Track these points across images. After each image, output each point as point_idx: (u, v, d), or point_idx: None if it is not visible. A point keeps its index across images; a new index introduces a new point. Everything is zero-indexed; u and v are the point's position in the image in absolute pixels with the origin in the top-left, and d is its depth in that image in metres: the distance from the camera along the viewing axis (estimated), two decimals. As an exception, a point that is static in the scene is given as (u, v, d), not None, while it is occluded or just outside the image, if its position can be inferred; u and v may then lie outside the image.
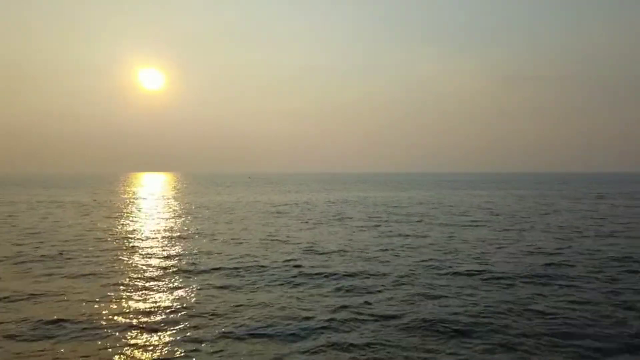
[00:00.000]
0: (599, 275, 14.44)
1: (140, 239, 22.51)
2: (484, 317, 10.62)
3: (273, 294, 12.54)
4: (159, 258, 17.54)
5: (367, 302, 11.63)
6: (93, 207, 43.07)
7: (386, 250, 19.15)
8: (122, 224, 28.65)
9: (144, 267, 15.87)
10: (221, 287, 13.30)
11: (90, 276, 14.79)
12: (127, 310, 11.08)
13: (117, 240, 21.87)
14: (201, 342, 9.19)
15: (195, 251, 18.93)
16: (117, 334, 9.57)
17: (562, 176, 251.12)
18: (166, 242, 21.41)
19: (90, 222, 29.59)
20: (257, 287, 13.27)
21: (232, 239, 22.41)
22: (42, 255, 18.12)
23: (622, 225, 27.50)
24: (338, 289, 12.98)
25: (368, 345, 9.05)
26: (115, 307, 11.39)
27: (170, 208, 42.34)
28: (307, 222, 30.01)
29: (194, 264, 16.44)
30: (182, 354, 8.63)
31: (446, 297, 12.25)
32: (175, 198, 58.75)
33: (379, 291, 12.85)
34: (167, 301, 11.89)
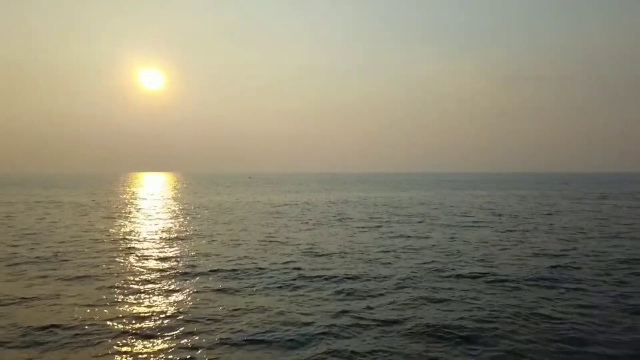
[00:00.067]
0: (606, 278, 14.08)
1: (137, 240, 22.16)
2: (489, 322, 10.27)
3: (272, 298, 12.20)
4: (155, 260, 17.19)
5: (368, 307, 11.28)
6: (91, 207, 42.73)
7: (387, 251, 18.80)
8: (120, 225, 28.30)
9: (140, 270, 15.52)
10: (219, 290, 12.95)
11: (84, 278, 14.45)
12: (121, 315, 10.73)
13: (113, 242, 21.52)
14: (197, 349, 8.85)
15: (192, 253, 18.58)
16: (109, 340, 9.22)
17: (562, 176, 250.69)
18: (163, 244, 21.06)
19: (87, 223, 29.24)
20: (256, 290, 12.92)
21: (230, 240, 22.06)
22: (37, 257, 17.78)
23: (627, 226, 27.14)
24: (338, 292, 12.63)
25: (370, 352, 8.70)
26: (108, 311, 11.04)
27: (169, 208, 42.00)
28: (307, 222, 29.66)
29: (191, 266, 16.09)
30: (177, 362, 8.29)
31: (450, 300, 11.90)
32: (174, 198, 58.41)
33: (381, 294, 12.51)
34: (163, 305, 11.54)
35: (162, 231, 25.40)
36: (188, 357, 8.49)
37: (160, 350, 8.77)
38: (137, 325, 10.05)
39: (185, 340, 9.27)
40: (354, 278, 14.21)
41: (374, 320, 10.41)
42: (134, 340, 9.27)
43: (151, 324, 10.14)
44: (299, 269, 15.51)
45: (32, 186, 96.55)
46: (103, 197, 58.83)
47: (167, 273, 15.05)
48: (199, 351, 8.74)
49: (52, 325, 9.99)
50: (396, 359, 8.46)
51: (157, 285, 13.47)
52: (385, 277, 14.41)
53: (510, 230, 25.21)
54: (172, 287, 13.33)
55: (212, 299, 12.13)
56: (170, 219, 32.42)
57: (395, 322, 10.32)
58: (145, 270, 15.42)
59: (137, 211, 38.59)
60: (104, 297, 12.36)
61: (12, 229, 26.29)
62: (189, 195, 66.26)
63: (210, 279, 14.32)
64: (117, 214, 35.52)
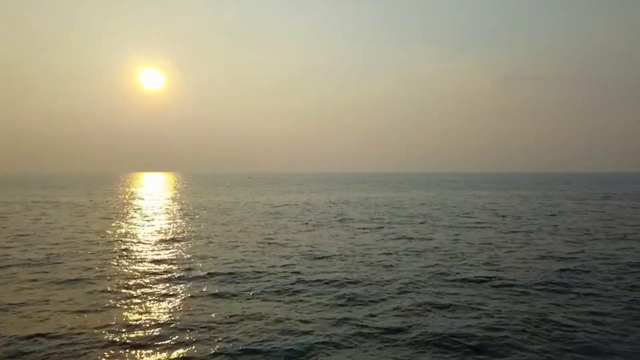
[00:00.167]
0: (617, 283, 13.56)
1: (133, 241, 21.63)
2: (498, 330, 9.75)
3: (269, 304, 11.68)
4: (150, 263, 16.68)
5: (371, 314, 10.75)
6: (89, 207, 42.22)
7: (389, 254, 18.28)
8: (116, 226, 27.79)
9: (134, 273, 15.01)
10: (215, 295, 12.44)
11: (76, 282, 13.95)
12: (111, 323, 10.20)
13: (108, 243, 21.01)
14: (189, 360, 8.33)
15: (189, 255, 18.06)
16: (96, 351, 8.70)
17: (562, 176, 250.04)
18: (159, 245, 20.54)
19: (83, 224, 28.73)
20: (253, 295, 12.40)
21: (228, 241, 21.54)
22: (29, 259, 17.28)
23: (633, 227, 26.60)
24: (339, 298, 12.10)
25: (373, 364, 8.19)
26: (98, 319, 10.52)
27: (167, 209, 41.49)
28: (306, 223, 29.13)
29: (187, 269, 15.57)
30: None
31: (456, 307, 11.37)
32: (173, 198, 57.91)
33: (383, 300, 11.99)
34: (155, 312, 11.02)
35: (159, 232, 24.89)
36: (179, 369, 7.98)
37: (150, 362, 8.26)
38: (127, 335, 9.53)
39: (178, 351, 8.75)
40: (355, 282, 13.68)
41: (377, 328, 9.89)
42: (123, 351, 8.74)
43: (142, 333, 9.62)
44: (298, 272, 14.99)
45: (31, 186, 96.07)
46: (101, 198, 58.33)
47: (162, 277, 14.53)
48: (192, 363, 8.22)
49: (38, 335, 9.47)
50: (401, 372, 7.95)
51: (150, 290, 12.95)
52: (387, 281, 13.89)
53: (515, 232, 24.69)
54: (166, 291, 12.81)
55: (208, 304, 11.62)
56: (168, 219, 31.91)
57: (399, 330, 9.81)
58: (139, 274, 14.90)
59: (135, 212, 38.07)
60: (95, 302, 11.84)
61: (6, 229, 25.78)
62: (188, 195, 65.75)
63: (206, 283, 13.80)
64: (114, 215, 35.01)
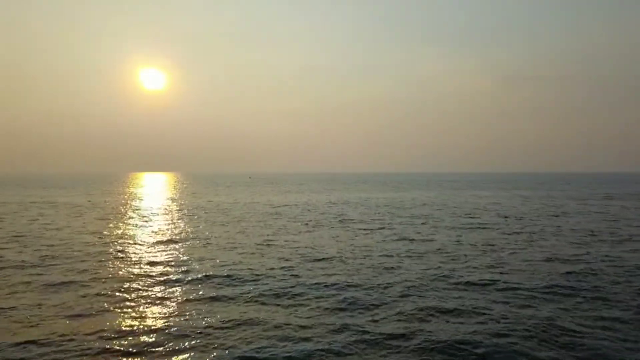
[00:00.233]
0: (625, 287, 13.19)
1: (129, 243, 21.27)
2: (505, 336, 9.39)
3: (268, 308, 11.32)
4: (146, 265, 16.31)
5: (373, 319, 10.39)
6: (87, 208, 41.87)
7: (391, 256, 17.91)
8: (113, 227, 27.43)
9: (129, 275, 14.65)
10: (212, 299, 12.08)
11: (70, 285, 13.60)
12: (103, 329, 9.85)
13: (104, 245, 20.64)
14: (183, 369, 7.98)
15: (186, 257, 17.70)
16: (86, 359, 8.34)
17: (563, 176, 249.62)
18: (156, 247, 20.18)
19: (80, 225, 28.37)
20: (251, 299, 12.04)
21: (227, 243, 21.18)
22: (23, 261, 16.93)
23: (639, 228, 26.22)
24: (340, 302, 11.73)
25: (376, 373, 7.83)
26: (90, 324, 10.16)
27: (166, 209, 41.14)
28: (306, 224, 28.77)
29: (183, 271, 15.22)
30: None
31: (460, 311, 11.01)
32: (172, 199, 57.56)
33: (385, 304, 11.63)
34: (150, 317, 10.66)
35: (156, 233, 24.53)
36: (173, 379, 7.62)
37: (143, 371, 7.90)
38: (119, 342, 9.17)
39: (172, 359, 8.39)
40: (356, 286, 13.31)
41: (379, 334, 9.53)
42: (114, 359, 8.38)
43: (135, 340, 9.27)
44: (297, 275, 14.63)
45: (31, 186, 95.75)
46: (100, 198, 57.99)
47: (157, 279, 14.18)
48: (186, 372, 7.87)
49: (28, 342, 9.11)
50: (405, 382, 7.59)
51: (145, 293, 12.59)
52: (389, 284, 13.53)
53: (518, 233, 24.32)
54: (161, 295, 12.46)
55: (204, 309, 11.26)
56: (166, 220, 31.55)
57: (402, 336, 9.45)
58: (134, 276, 14.55)
59: (133, 212, 37.72)
60: (88, 306, 11.50)
61: (2, 230, 25.43)
62: (187, 195, 65.40)
63: (203, 286, 13.44)
64: (112, 215, 34.66)
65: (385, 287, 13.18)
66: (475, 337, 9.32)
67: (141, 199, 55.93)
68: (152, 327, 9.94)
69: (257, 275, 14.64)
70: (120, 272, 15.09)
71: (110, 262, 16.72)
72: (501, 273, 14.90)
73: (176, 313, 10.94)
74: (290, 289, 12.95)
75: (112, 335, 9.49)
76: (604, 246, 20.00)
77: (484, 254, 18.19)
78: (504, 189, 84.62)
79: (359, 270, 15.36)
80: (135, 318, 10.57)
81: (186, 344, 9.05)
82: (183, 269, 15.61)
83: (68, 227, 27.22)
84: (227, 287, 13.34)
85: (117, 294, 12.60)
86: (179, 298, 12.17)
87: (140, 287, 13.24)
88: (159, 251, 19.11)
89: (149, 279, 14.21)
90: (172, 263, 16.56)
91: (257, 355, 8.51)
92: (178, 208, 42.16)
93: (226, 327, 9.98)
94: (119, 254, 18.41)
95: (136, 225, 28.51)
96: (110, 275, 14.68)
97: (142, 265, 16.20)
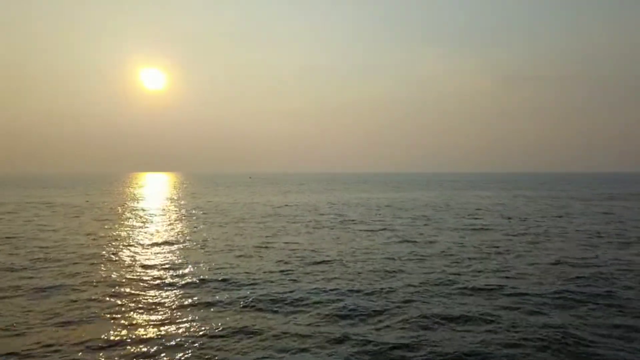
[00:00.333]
0: (638, 292, 12.64)
1: (124, 245, 20.72)
2: (517, 346, 8.85)
3: (265, 315, 10.78)
4: (140, 268, 15.78)
5: (375, 328, 9.85)
6: (84, 208, 41.35)
7: (393, 259, 17.37)
8: (109, 228, 26.90)
9: (122, 280, 14.11)
10: (206, 305, 11.55)
11: (60, 289, 13.09)
12: (92, 338, 9.31)
13: (98, 246, 20.10)
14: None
15: (181, 260, 17.16)
16: (70, 372, 7.81)
17: (563, 176, 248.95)
18: (152, 249, 19.65)
19: (76, 226, 27.84)
20: (247, 305, 11.50)
21: (224, 245, 20.64)
22: (13, 264, 16.41)
23: (644, 229, 25.67)
24: (340, 309, 11.18)
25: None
26: (78, 333, 9.63)
27: (164, 210, 40.62)
28: (306, 225, 28.22)
29: (178, 275, 14.68)
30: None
31: (467, 319, 10.46)
32: (172, 199, 57.05)
33: (388, 310, 11.09)
34: (141, 325, 10.12)
35: (152, 235, 24.00)
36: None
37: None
38: (107, 353, 8.64)
39: (161, 371, 7.86)
40: (357, 291, 12.77)
41: (383, 343, 8.99)
42: (100, 372, 7.86)
43: (123, 351, 8.73)
44: (296, 280, 14.09)
45: (30, 186, 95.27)
46: (98, 198, 57.48)
47: (151, 283, 13.65)
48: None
49: (9, 354, 8.59)
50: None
51: (136, 299, 12.06)
52: (391, 289, 12.99)
53: (522, 234, 23.77)
54: (154, 300, 11.92)
55: (198, 316, 10.72)
56: (163, 221, 31.02)
57: (406, 346, 8.91)
58: (126, 280, 14.01)
59: (130, 213, 37.19)
60: (78, 312, 10.98)
61: (-5, 232, 24.90)
62: (187, 196, 64.88)
63: (198, 290, 12.90)
64: (108, 216, 34.13)
65: (388, 292, 12.65)
66: (485, 347, 8.78)
67: (140, 200, 55.41)
68: (142, 337, 9.41)
69: (254, 279, 14.11)
70: (113, 276, 14.56)
71: (103, 266, 16.19)
72: (507, 278, 14.36)
73: (169, 320, 10.41)
74: (288, 294, 12.42)
75: (100, 345, 8.96)
76: (613, 249, 19.45)
77: (488, 257, 17.64)
78: (504, 189, 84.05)
79: (360, 274, 14.82)
80: (125, 326, 10.04)
81: (179, 355, 8.53)
82: (178, 272, 15.08)
83: (63, 228, 26.69)
84: (223, 291, 12.81)
85: (108, 299, 12.08)
86: (173, 304, 11.64)
87: (132, 292, 12.71)
88: (154, 254, 18.58)
89: (142, 283, 13.68)
90: (167, 266, 16.03)
91: (252, 367, 7.98)
92: (176, 209, 41.63)
93: (221, 336, 9.45)
94: (112, 256, 17.87)
95: (133, 226, 27.97)
96: (102, 279, 14.15)
97: (135, 269, 15.67)
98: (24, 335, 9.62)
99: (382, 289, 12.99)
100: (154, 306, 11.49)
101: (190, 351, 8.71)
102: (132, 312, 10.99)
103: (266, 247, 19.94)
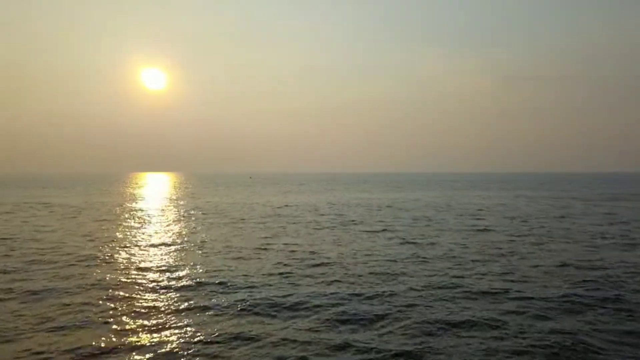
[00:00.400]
0: (648, 296, 12.29)
1: (121, 246, 20.37)
2: (527, 355, 8.49)
3: (263, 320, 10.43)
4: (135, 270, 15.43)
5: (377, 334, 9.50)
6: (83, 209, 41.01)
7: (394, 261, 17.02)
8: (106, 229, 26.55)
9: (116, 282, 13.75)
10: (203, 309, 11.20)
11: (53, 292, 12.74)
12: (84, 344, 8.96)
13: (95, 248, 19.75)
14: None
15: (178, 262, 16.81)
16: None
17: (563, 176, 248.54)
18: (148, 251, 19.29)
19: (73, 227, 27.49)
20: (245, 309, 11.15)
21: (222, 247, 20.28)
22: (6, 266, 16.06)
23: (649, 231, 25.31)
24: (341, 314, 10.83)
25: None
26: (70, 338, 9.28)
27: (163, 210, 40.28)
28: (306, 226, 27.88)
29: (174, 278, 14.33)
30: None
31: (473, 324, 10.11)
32: (171, 199, 56.70)
33: (390, 315, 10.74)
34: (135, 331, 9.77)
35: (150, 236, 23.66)
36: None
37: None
38: (97, 360, 8.29)
39: (153, 381, 7.51)
40: (358, 294, 12.42)
41: (386, 351, 8.64)
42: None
43: (116, 358, 8.38)
44: (295, 283, 13.73)
45: (30, 186, 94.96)
46: (97, 198, 57.14)
47: (146, 286, 13.29)
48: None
49: (-5, 360, 8.24)
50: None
51: (132, 302, 11.70)
52: (393, 292, 12.63)
53: (526, 235, 23.42)
54: (149, 304, 11.56)
55: (194, 321, 10.37)
56: (162, 222, 30.67)
57: (409, 354, 8.56)
58: (121, 283, 13.66)
59: (129, 213, 36.84)
60: (70, 317, 10.63)
61: (-9, 233, 24.55)
62: (187, 196, 64.54)
63: (194, 294, 12.54)
64: (106, 217, 33.78)
65: (390, 296, 12.30)
66: (492, 355, 8.43)
67: (139, 200, 55.07)
68: (136, 343, 9.06)
69: (252, 282, 13.76)
70: (108, 279, 14.21)
71: (98, 268, 15.84)
72: (512, 281, 14.00)
73: (164, 325, 10.06)
74: (287, 298, 12.06)
75: (92, 352, 8.62)
76: (618, 250, 19.09)
77: (492, 259, 17.29)
78: (505, 189, 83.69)
79: (361, 277, 14.47)
80: (118, 331, 9.69)
81: (171, 363, 8.17)
82: (174, 275, 14.73)
83: (60, 229, 26.35)
84: (220, 295, 12.46)
85: (102, 302, 11.73)
86: (168, 308, 11.29)
87: (127, 296, 12.36)
88: (150, 255, 18.23)
89: (137, 286, 13.33)
90: (164, 269, 15.68)
91: (249, 377, 7.63)
92: (175, 209, 41.29)
93: (217, 342, 9.10)
94: (108, 258, 17.52)
95: (130, 227, 27.63)
96: (97, 282, 13.80)
97: (131, 271, 15.31)
98: (13, 341, 9.27)
99: (383, 292, 12.64)
100: (148, 310, 11.15)
101: (184, 358, 8.36)
102: (126, 317, 10.65)
103: (265, 249, 19.59)
